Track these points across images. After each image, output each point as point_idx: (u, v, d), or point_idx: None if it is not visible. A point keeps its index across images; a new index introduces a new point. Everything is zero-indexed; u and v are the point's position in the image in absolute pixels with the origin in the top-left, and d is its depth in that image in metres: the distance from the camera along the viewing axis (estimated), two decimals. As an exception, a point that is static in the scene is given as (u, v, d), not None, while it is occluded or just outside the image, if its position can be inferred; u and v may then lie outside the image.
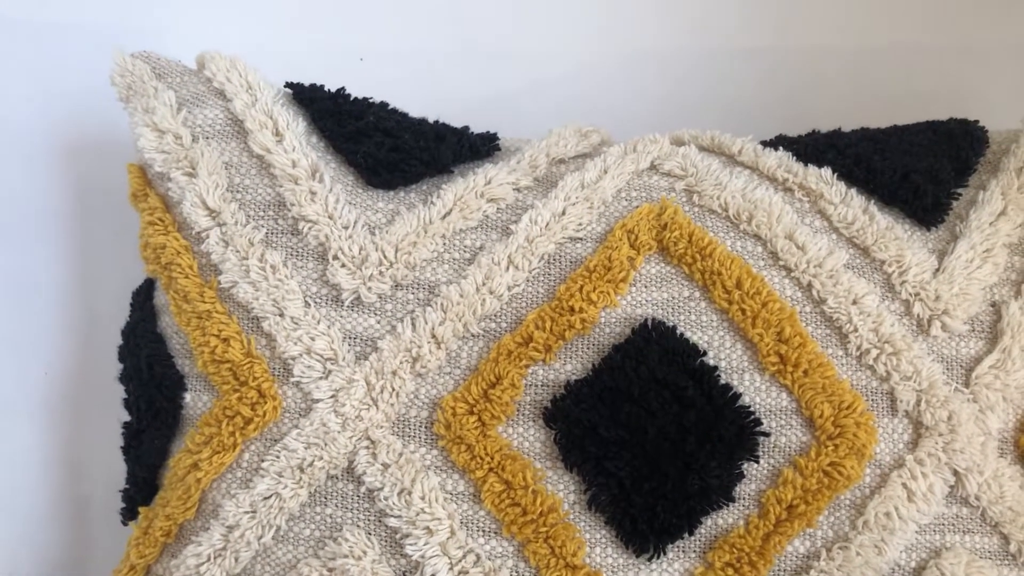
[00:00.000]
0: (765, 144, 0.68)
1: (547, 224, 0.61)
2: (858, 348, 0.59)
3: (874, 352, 0.59)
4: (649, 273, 0.60)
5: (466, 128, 0.67)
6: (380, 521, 0.56)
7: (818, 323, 0.59)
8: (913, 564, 0.58)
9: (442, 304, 0.58)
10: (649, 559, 0.56)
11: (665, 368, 0.57)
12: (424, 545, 0.55)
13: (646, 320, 0.58)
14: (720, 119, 0.73)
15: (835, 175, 0.64)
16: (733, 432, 0.56)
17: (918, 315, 0.60)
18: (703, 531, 0.57)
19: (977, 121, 0.70)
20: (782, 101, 0.85)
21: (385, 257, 0.59)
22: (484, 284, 0.59)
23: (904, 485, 0.57)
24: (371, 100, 0.67)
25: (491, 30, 0.87)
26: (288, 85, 0.67)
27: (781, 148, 0.66)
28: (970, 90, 0.87)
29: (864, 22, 0.87)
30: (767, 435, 0.57)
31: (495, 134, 0.68)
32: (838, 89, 0.86)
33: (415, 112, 0.69)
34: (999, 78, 0.85)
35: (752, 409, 0.57)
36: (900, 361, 0.58)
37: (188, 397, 0.60)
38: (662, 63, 0.86)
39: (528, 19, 0.87)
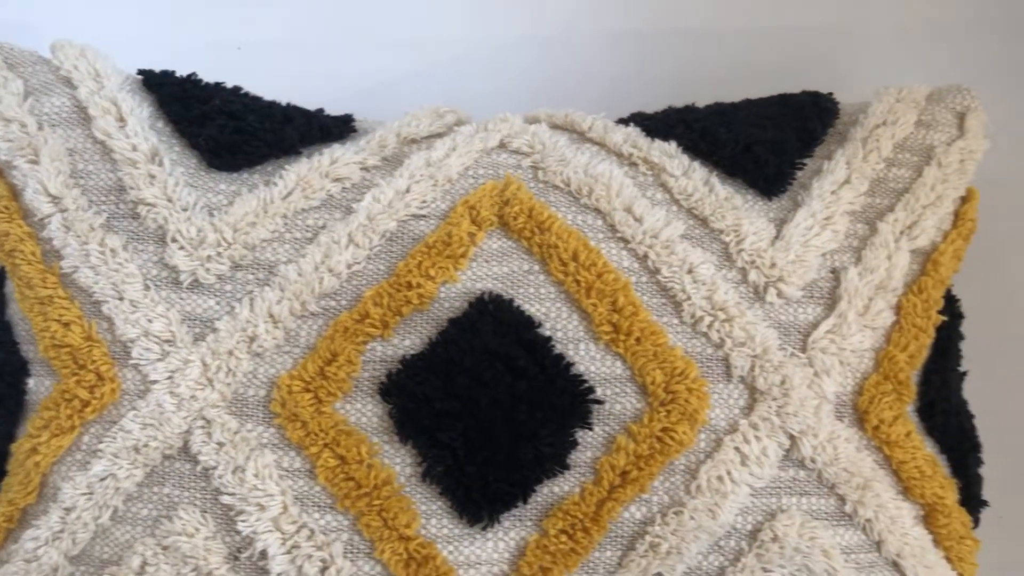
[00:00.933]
0: (621, 121, 0.69)
1: (390, 202, 0.61)
2: (692, 316, 0.60)
3: (708, 319, 0.60)
4: (491, 248, 0.61)
5: (320, 111, 0.68)
6: (215, 499, 0.56)
7: (653, 293, 0.60)
8: (749, 527, 0.59)
9: (280, 283, 0.59)
10: (483, 528, 0.57)
11: (499, 340, 0.57)
12: (256, 521, 0.55)
13: (483, 294, 0.59)
14: (599, 102, 0.73)
15: (680, 148, 0.65)
16: (565, 401, 0.57)
17: (754, 282, 0.61)
18: (539, 499, 0.58)
19: (831, 94, 0.71)
20: (661, 83, 0.86)
21: (223, 238, 0.59)
22: (323, 263, 0.59)
23: (737, 449, 0.58)
24: (223, 85, 0.67)
25: (370, 17, 0.87)
26: (140, 72, 0.67)
27: (632, 124, 0.67)
28: (849, 69, 0.88)
29: (743, 3, 0.88)
30: (601, 403, 0.58)
31: (350, 116, 0.68)
32: (717, 71, 0.87)
33: (295, 101, 0.69)
34: (877, 57, 0.87)
35: (585, 378, 0.58)
36: (733, 327, 0.59)
37: (32, 383, 0.60)
38: (542, 47, 0.87)
39: (408, 5, 0.87)
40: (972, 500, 0.66)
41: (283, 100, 0.69)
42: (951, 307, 0.69)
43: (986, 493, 0.70)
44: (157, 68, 0.67)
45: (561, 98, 0.87)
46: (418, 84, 0.85)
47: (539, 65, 0.87)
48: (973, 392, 0.70)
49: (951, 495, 0.64)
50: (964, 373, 0.69)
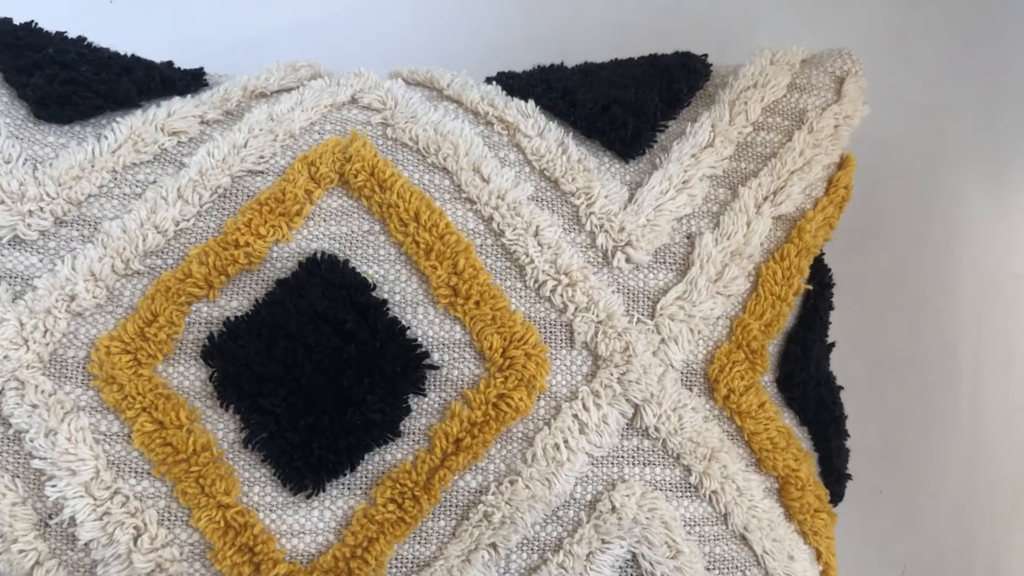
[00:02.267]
0: (487, 80, 0.66)
1: (224, 156, 0.58)
2: (535, 280, 0.58)
3: (551, 283, 0.58)
4: (330, 207, 0.58)
5: (169, 63, 0.65)
6: (26, 464, 0.54)
7: (497, 255, 0.58)
8: (589, 497, 0.57)
9: (103, 240, 0.56)
10: (308, 497, 0.55)
11: (327, 302, 0.55)
12: (65, 486, 0.53)
13: (314, 253, 0.56)
14: (478, 61, 0.71)
15: (538, 108, 0.63)
16: (398, 366, 0.55)
17: (602, 246, 0.59)
18: (369, 467, 0.56)
19: (706, 56, 0.69)
20: (543, 41, 0.84)
21: (46, 193, 0.57)
22: (148, 219, 0.57)
23: (576, 416, 0.57)
24: (64, 34, 0.64)
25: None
26: (-27, 20, 0.64)
27: (496, 83, 0.65)
28: (737, 31, 0.86)
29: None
30: (436, 368, 0.56)
31: (201, 69, 0.65)
32: (599, 32, 0.85)
33: (166, 56, 0.66)
34: (767, 17, 0.85)
35: (421, 342, 0.56)
36: (576, 292, 0.57)
37: None
38: (421, 3, 0.84)
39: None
40: (834, 473, 0.65)
41: (159, 57, 0.66)
42: (821, 276, 0.67)
43: (863, 469, 0.69)
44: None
45: (444, 57, 0.85)
46: (293, 40, 0.83)
47: (417, 22, 0.84)
48: (845, 364, 0.69)
49: (806, 468, 0.62)
50: (831, 345, 0.68)
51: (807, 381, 0.63)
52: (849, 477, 0.67)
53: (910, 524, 0.78)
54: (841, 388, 0.67)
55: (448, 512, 0.56)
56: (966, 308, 0.79)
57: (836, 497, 0.66)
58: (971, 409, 0.78)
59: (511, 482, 0.56)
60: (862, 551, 0.73)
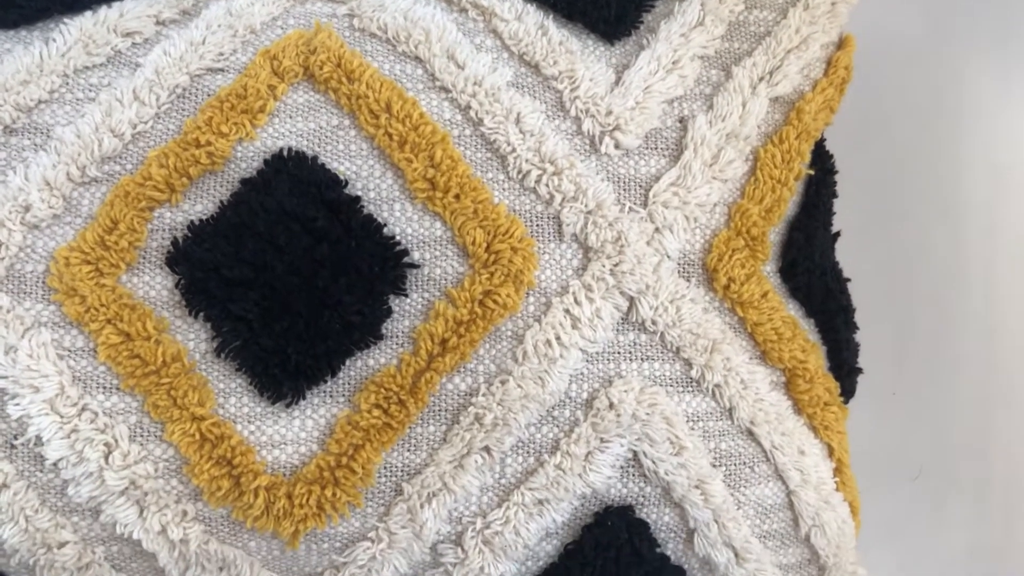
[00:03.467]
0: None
1: (181, 55, 0.55)
2: (518, 170, 0.54)
3: (535, 173, 0.54)
4: (296, 102, 0.55)
5: (121, -35, 0.61)
6: (-14, 384, 0.51)
7: (477, 146, 0.55)
8: (584, 395, 0.54)
9: (56, 147, 0.53)
10: (287, 406, 0.52)
11: (295, 199, 0.52)
12: (28, 403, 0.50)
13: (280, 150, 0.53)
14: None
15: (514, -9, 0.59)
16: (375, 265, 0.52)
17: (588, 132, 0.55)
18: (353, 373, 0.53)
19: (692, -67, 0.64)
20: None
21: (-9, 99, 0.53)
22: (104, 123, 0.53)
23: (567, 311, 0.53)
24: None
25: None
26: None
27: (468, -31, 0.61)
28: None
29: None
30: (416, 266, 0.53)
31: (157, -31, 0.61)
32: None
33: None
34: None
35: (399, 240, 0.53)
36: (563, 181, 0.54)
37: None
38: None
39: None
40: (844, 367, 0.62)
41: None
42: (823, 162, 0.63)
43: (874, 367, 0.66)
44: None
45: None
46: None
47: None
48: (852, 257, 0.65)
49: (814, 359, 0.59)
50: (837, 234, 0.64)
51: (812, 270, 0.60)
52: (860, 371, 0.64)
53: (925, 424, 0.75)
54: (848, 280, 0.64)
55: (437, 417, 0.53)
56: (975, 197, 0.75)
57: (847, 392, 0.63)
58: (984, 301, 0.75)
59: (502, 382, 0.53)
60: (877, 453, 0.70)
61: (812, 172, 0.61)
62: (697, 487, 0.54)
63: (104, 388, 0.51)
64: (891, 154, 0.76)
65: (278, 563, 0.53)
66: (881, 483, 0.69)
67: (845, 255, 0.65)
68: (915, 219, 0.75)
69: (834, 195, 0.64)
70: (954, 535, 0.76)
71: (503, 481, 0.54)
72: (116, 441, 0.50)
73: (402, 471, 0.53)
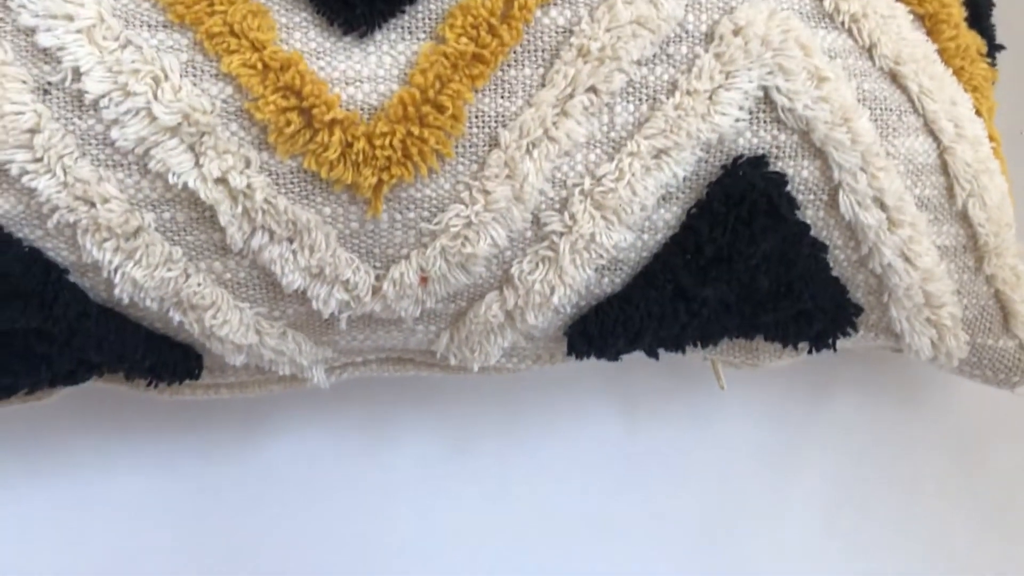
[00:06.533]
0: None
1: None
2: None
3: None
4: None
5: None
6: (16, 26, 0.44)
7: None
8: (704, 27, 0.46)
9: None
10: (361, 36, 0.44)
11: None
12: (63, 32, 0.43)
13: None
14: None
15: None
16: None
17: None
18: (433, 6, 0.45)
19: None
20: None
21: None
22: None
23: (679, -78, 0.46)
24: None
25: None
26: None
27: None
28: None
29: None
30: None
31: None
32: None
33: None
34: None
35: None
36: None
37: None
38: None
39: None
40: (986, 30, 0.54)
41: None
42: None
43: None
44: None
45: None
46: None
47: None
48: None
49: (956, 10, 0.51)
50: None
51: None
52: (1001, 47, 0.55)
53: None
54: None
55: (533, 58, 0.45)
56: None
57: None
58: None
59: (609, 7, 0.45)
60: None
61: None
62: (842, 124, 0.46)
63: (148, 25, 0.44)
64: None
65: (357, 239, 0.46)
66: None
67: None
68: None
69: None
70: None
71: (612, 135, 0.46)
72: (165, 73, 0.43)
73: (496, 120, 0.45)
